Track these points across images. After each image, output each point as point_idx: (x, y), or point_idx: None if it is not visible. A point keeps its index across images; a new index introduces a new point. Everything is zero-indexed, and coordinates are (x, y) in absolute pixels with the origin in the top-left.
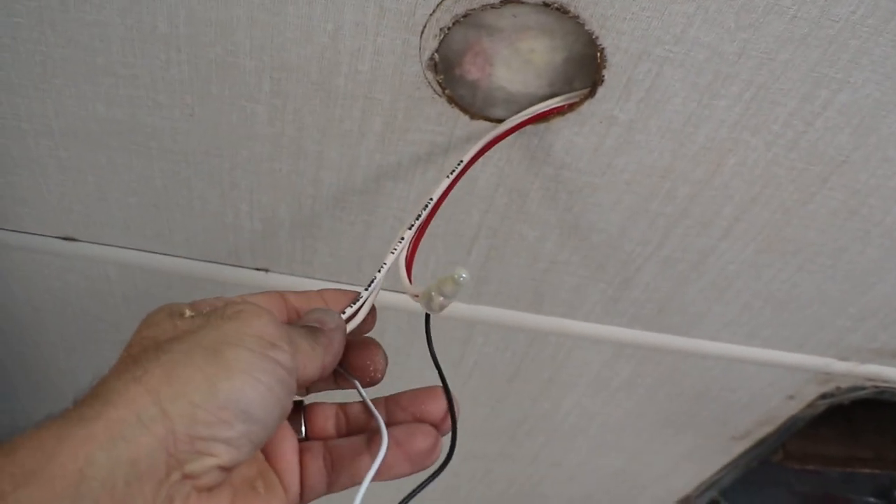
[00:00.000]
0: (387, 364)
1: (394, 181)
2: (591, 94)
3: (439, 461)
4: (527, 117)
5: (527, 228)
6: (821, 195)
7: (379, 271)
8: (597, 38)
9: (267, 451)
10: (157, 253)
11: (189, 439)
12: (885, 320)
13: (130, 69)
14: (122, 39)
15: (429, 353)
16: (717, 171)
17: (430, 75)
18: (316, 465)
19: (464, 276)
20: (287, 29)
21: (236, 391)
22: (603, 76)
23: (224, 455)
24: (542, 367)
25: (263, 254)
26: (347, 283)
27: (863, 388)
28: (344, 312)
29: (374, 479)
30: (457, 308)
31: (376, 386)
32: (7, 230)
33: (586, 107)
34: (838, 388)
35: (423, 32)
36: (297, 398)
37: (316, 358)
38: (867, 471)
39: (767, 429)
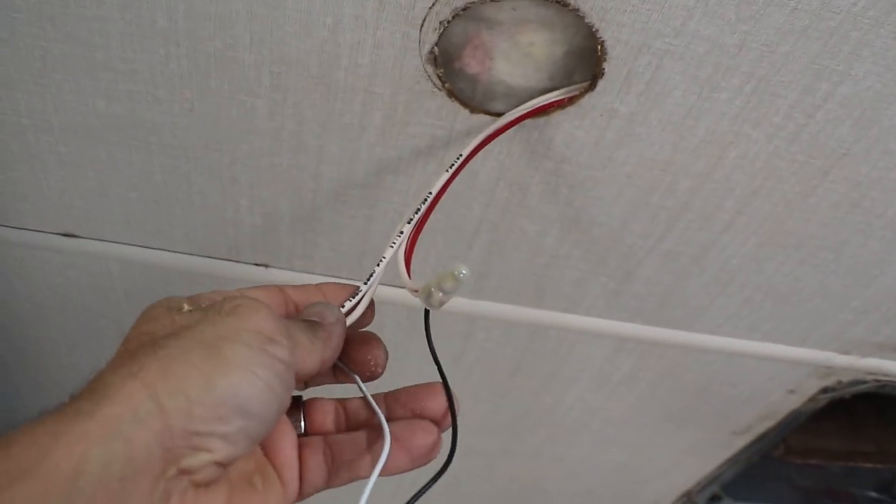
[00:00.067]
0: (387, 359)
1: (394, 175)
2: (592, 87)
3: (441, 460)
4: (527, 111)
5: (528, 223)
6: (822, 188)
7: (378, 265)
8: (597, 30)
9: (266, 447)
10: (157, 249)
11: (186, 435)
12: (888, 314)
13: (130, 64)
14: (121, 34)
15: (428, 349)
16: (718, 164)
17: (429, 69)
18: (315, 460)
19: (463, 272)
20: (286, 23)
21: (233, 387)
22: (603, 69)
23: (221, 450)
24: (543, 361)
25: (264, 249)
26: (348, 278)
27: (864, 382)
28: (343, 306)
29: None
30: (458, 303)
31: (376, 381)
32: (7, 227)
33: (587, 100)
34: (840, 382)
35: (422, 26)
36: (296, 393)
37: (315, 352)
38: (869, 465)
39: (769, 423)
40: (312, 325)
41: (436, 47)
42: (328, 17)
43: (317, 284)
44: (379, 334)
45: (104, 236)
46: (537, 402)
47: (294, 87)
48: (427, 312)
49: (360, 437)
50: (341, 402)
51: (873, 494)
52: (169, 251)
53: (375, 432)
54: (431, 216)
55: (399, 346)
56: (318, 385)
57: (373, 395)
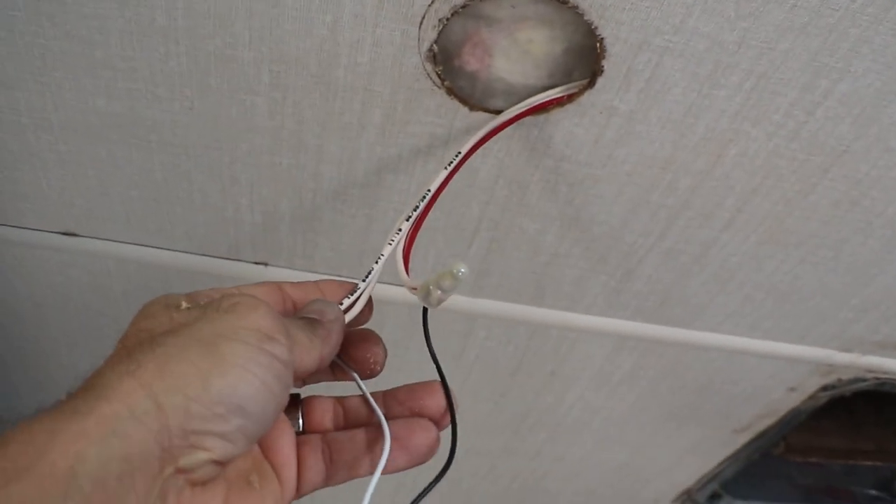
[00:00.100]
0: (386, 357)
1: (394, 174)
2: (591, 84)
3: (441, 461)
4: (525, 108)
5: (527, 221)
6: (822, 186)
7: (376, 262)
8: (596, 28)
9: (264, 445)
10: (157, 247)
11: (183, 433)
12: (887, 312)
13: (129, 62)
14: (120, 32)
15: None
16: (718, 162)
17: (429, 67)
18: (314, 459)
19: (462, 270)
20: (286, 21)
21: (231, 386)
22: (602, 66)
23: (218, 449)
24: (544, 360)
25: (264, 248)
26: (348, 277)
27: (864, 380)
28: (341, 304)
29: (372, 472)
30: (458, 301)
31: (375, 379)
32: (8, 226)
33: (586, 97)
34: (840, 380)
35: (421, 23)
36: (294, 391)
37: (314, 350)
38: (869, 463)
39: (769, 421)
40: (311, 323)
41: (435, 45)
42: (327, 16)
43: (315, 282)
44: (378, 332)
45: (104, 235)
46: (538, 401)
47: (293, 86)
48: (425, 311)
49: (359, 435)
50: (339, 400)
51: (873, 492)
52: (169, 250)
53: (374, 431)
54: (431, 214)
55: (399, 344)
56: (315, 382)
57: (371, 394)
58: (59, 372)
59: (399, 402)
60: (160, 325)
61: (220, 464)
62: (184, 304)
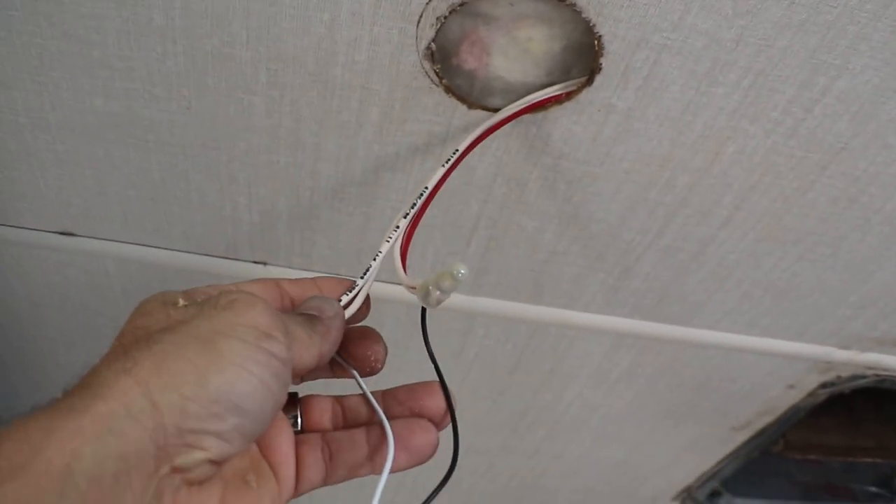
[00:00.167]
0: (386, 354)
1: (392, 172)
2: (589, 82)
3: (441, 462)
4: (523, 106)
5: (526, 219)
6: (820, 183)
7: (374, 259)
8: (594, 25)
9: (262, 444)
10: (155, 247)
11: (179, 432)
12: (886, 309)
13: (127, 62)
14: (118, 32)
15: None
16: (716, 160)
17: (427, 65)
18: (313, 458)
19: (462, 271)
20: (283, 19)
21: (228, 384)
22: (600, 64)
23: (214, 449)
24: (543, 358)
25: (262, 247)
26: (346, 276)
27: (863, 377)
28: (339, 301)
29: (372, 472)
30: (456, 300)
31: (374, 378)
32: (5, 226)
33: (584, 95)
34: (839, 377)
35: (419, 21)
36: (292, 389)
37: (313, 346)
38: (868, 460)
39: (768, 419)
40: (310, 319)
41: (433, 43)
42: (325, 14)
43: (312, 278)
44: (377, 330)
45: (102, 234)
46: (536, 399)
47: (291, 85)
48: (424, 311)
49: (359, 434)
50: (338, 399)
51: (873, 489)
52: (167, 249)
53: (374, 430)
54: (429, 212)
55: (398, 343)
56: (314, 379)
57: (371, 393)
58: (56, 371)
59: (399, 402)
60: (157, 323)
61: (217, 463)
62: (181, 302)
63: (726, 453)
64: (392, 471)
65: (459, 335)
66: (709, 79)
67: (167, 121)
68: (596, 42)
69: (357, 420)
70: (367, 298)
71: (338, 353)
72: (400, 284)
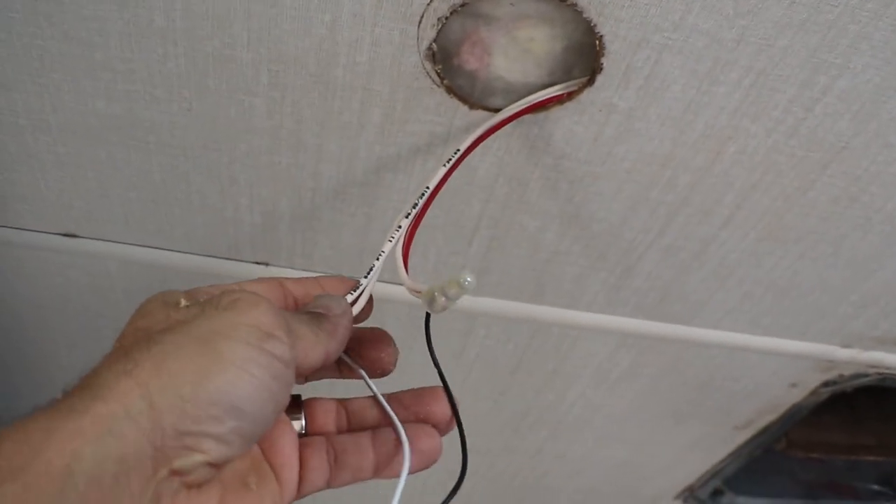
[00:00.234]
0: (398, 357)
1: (394, 173)
2: (591, 82)
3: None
4: (524, 106)
5: (528, 219)
6: (821, 182)
7: (377, 259)
8: (595, 25)
9: (264, 446)
10: (157, 248)
11: (177, 434)
12: (887, 307)
13: (128, 64)
14: (119, 34)
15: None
16: (717, 159)
17: (428, 65)
18: (318, 460)
19: (469, 280)
20: (284, 20)
21: (227, 386)
22: (602, 64)
23: (213, 451)
24: (544, 358)
25: (263, 247)
26: (348, 276)
27: (865, 376)
28: None
29: (376, 476)
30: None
31: (377, 380)
32: (7, 227)
33: (585, 95)
34: (841, 376)
35: (420, 22)
36: (295, 393)
37: (319, 345)
38: (871, 458)
39: (770, 417)
40: (317, 317)
41: (434, 44)
42: (326, 15)
43: (316, 278)
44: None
45: (104, 236)
46: (538, 399)
47: (292, 86)
48: (428, 317)
49: (365, 438)
50: (342, 402)
51: (875, 487)
52: (168, 250)
53: (380, 434)
54: (430, 212)
55: (401, 344)
56: (319, 379)
57: (374, 396)
58: (58, 373)
59: (404, 407)
60: (158, 323)
61: (216, 465)
62: (182, 302)
63: (729, 452)
64: (392, 476)
65: (461, 335)
66: (710, 78)
67: (168, 122)
68: (597, 42)
69: (361, 423)
70: (371, 298)
71: (348, 354)
72: (401, 285)
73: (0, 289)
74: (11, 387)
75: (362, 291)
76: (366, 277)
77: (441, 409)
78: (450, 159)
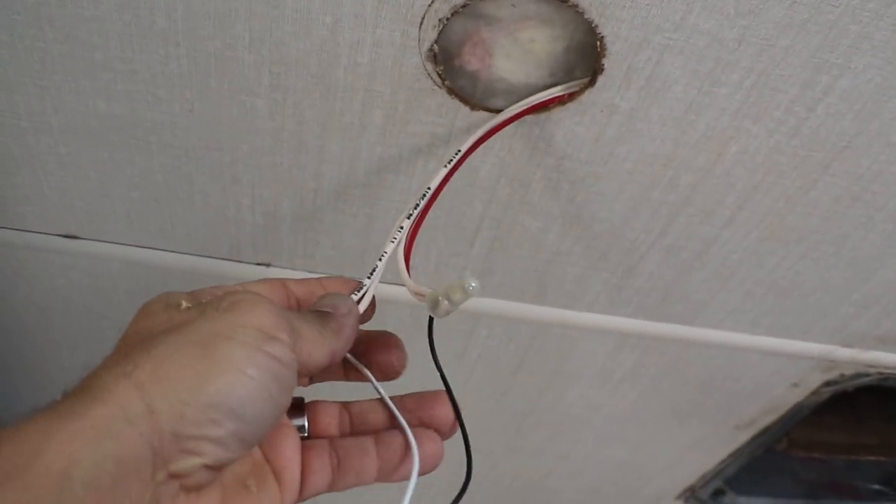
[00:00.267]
0: (407, 361)
1: (395, 174)
2: (592, 83)
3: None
4: (526, 107)
5: (529, 219)
6: (823, 182)
7: (380, 259)
8: (596, 26)
9: (266, 448)
10: (159, 249)
11: (175, 438)
12: (889, 307)
13: (129, 64)
14: (120, 35)
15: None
16: (718, 160)
17: (429, 67)
18: (321, 463)
19: (473, 285)
20: (286, 22)
21: (226, 389)
22: (603, 65)
23: (211, 454)
24: (546, 358)
25: (265, 248)
26: (350, 277)
27: (867, 375)
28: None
29: (379, 480)
30: None
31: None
32: (9, 229)
33: (587, 96)
34: (842, 376)
35: (422, 23)
36: (298, 395)
37: (324, 344)
38: (872, 458)
39: (772, 417)
40: (323, 316)
41: (435, 45)
42: (327, 16)
43: (318, 279)
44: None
45: (106, 237)
46: (540, 400)
47: (294, 87)
48: (431, 321)
49: (368, 442)
50: (345, 405)
51: (877, 487)
52: (170, 251)
53: (383, 438)
54: (432, 213)
55: None
56: (323, 381)
57: (378, 400)
58: (60, 374)
59: (408, 411)
60: (160, 325)
61: (215, 468)
62: (184, 304)
63: (730, 452)
64: (394, 480)
65: (463, 336)
66: (711, 79)
67: (170, 123)
68: (598, 43)
69: (364, 426)
70: (374, 299)
71: (356, 357)
72: (402, 285)
73: (2, 290)
74: (13, 388)
75: (365, 292)
76: (369, 278)
77: (444, 413)
78: (451, 160)
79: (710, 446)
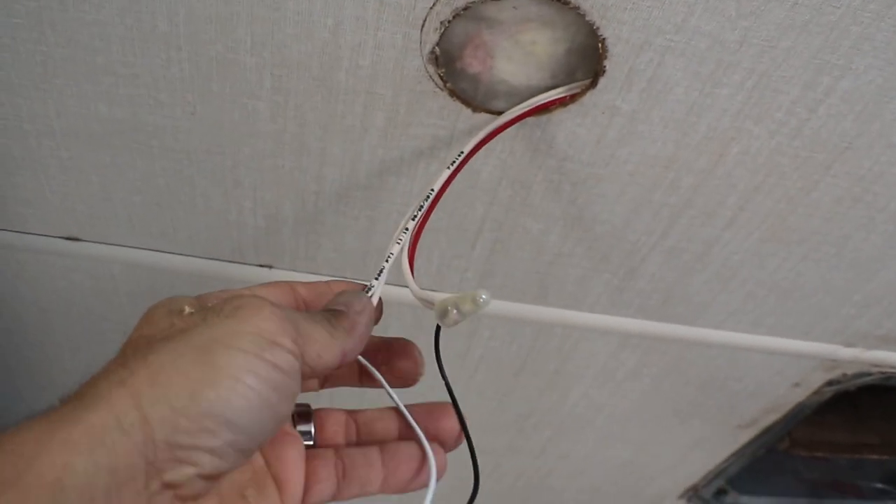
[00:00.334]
0: (424, 369)
1: (397, 176)
2: (593, 84)
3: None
4: (527, 109)
5: (531, 221)
6: (824, 183)
7: (386, 261)
8: (598, 28)
9: (269, 457)
10: (161, 251)
11: (168, 447)
12: (890, 307)
13: (131, 68)
14: (122, 39)
15: (434, 355)
16: (720, 161)
17: (431, 69)
18: (326, 473)
19: (484, 297)
20: (287, 25)
21: (221, 399)
22: (604, 67)
23: (206, 464)
24: (548, 359)
25: (267, 250)
26: (352, 279)
27: (869, 375)
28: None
29: (382, 490)
30: None
31: (379, 392)
32: (11, 231)
33: (588, 98)
34: (844, 375)
35: (423, 26)
36: (304, 402)
37: (335, 344)
38: (874, 457)
39: (774, 416)
40: (335, 315)
41: (437, 47)
42: (329, 19)
43: (326, 282)
44: (384, 335)
45: (108, 239)
46: (542, 400)
47: (295, 90)
48: (438, 329)
49: (374, 452)
50: (351, 413)
51: (879, 486)
52: (172, 253)
53: (389, 448)
54: (434, 215)
55: None
56: (335, 386)
57: (384, 409)
58: (62, 376)
59: (415, 421)
60: (161, 332)
61: (211, 478)
62: (187, 309)
63: (732, 451)
64: (398, 492)
65: (465, 336)
66: (713, 80)
67: (172, 126)
68: (600, 45)
69: (370, 435)
70: (381, 301)
71: (373, 363)
72: (404, 286)
73: (3, 292)
74: (14, 389)
75: (373, 294)
76: (376, 279)
77: (450, 426)
78: (453, 162)
79: (712, 446)
